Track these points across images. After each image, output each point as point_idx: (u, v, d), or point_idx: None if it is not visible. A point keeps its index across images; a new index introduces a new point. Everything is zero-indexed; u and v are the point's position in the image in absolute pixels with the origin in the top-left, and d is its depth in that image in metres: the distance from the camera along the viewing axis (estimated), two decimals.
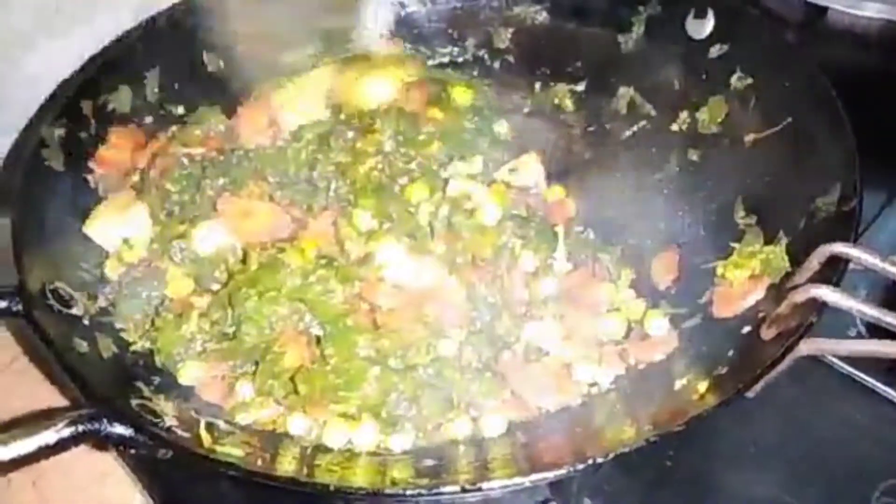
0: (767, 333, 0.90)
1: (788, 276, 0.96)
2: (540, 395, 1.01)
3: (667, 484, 1.02)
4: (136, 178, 1.17)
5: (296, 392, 0.98)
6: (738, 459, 1.05)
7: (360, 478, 0.88)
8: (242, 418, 0.98)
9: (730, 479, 1.03)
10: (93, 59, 1.21)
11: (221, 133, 1.23)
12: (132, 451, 0.84)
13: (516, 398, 1.01)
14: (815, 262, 0.89)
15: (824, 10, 1.49)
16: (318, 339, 1.01)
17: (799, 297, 0.86)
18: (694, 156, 1.20)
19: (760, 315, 0.92)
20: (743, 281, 1.02)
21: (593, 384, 1.03)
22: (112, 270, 1.09)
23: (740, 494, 1.02)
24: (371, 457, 0.94)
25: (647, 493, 1.02)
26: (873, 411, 1.07)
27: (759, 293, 0.98)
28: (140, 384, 0.94)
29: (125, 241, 1.10)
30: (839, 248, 0.86)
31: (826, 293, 0.84)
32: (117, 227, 1.11)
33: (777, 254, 1.00)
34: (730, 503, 1.02)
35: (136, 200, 1.14)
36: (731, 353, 0.93)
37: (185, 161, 1.16)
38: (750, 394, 0.84)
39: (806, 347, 0.86)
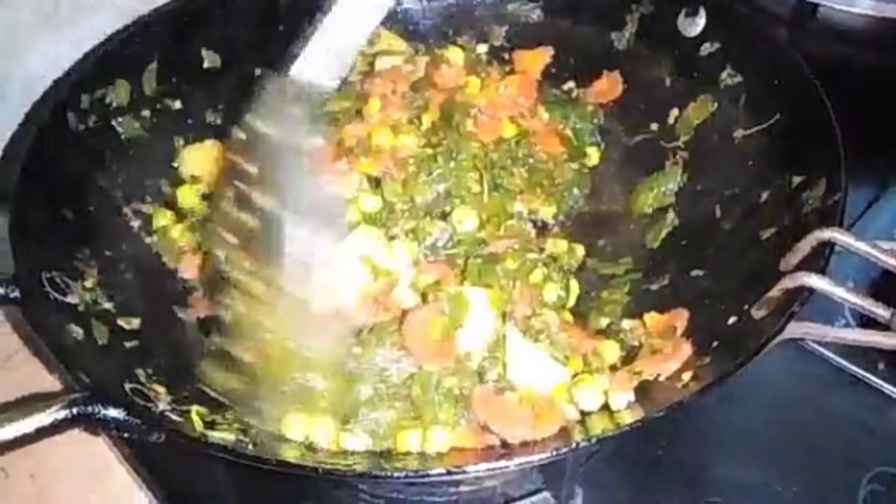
0: (757, 314, 0.91)
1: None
2: (511, 427, 0.90)
3: (658, 472, 1.04)
4: None
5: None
6: (728, 447, 1.06)
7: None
8: None
9: (720, 467, 1.04)
10: (90, 52, 1.23)
11: None
12: (125, 436, 0.85)
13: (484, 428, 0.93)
14: (806, 246, 0.89)
15: (815, 6, 1.49)
16: None
17: (789, 283, 0.86)
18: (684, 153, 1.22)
19: (745, 306, 0.93)
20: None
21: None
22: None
23: (730, 482, 1.03)
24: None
25: (638, 480, 1.03)
26: (862, 400, 1.09)
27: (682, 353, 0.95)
28: (135, 370, 0.95)
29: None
30: (830, 233, 0.87)
31: (815, 280, 0.85)
32: None
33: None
34: (720, 490, 1.03)
35: None
36: (714, 343, 0.93)
37: None
38: (732, 379, 0.85)
39: (791, 330, 0.86)
